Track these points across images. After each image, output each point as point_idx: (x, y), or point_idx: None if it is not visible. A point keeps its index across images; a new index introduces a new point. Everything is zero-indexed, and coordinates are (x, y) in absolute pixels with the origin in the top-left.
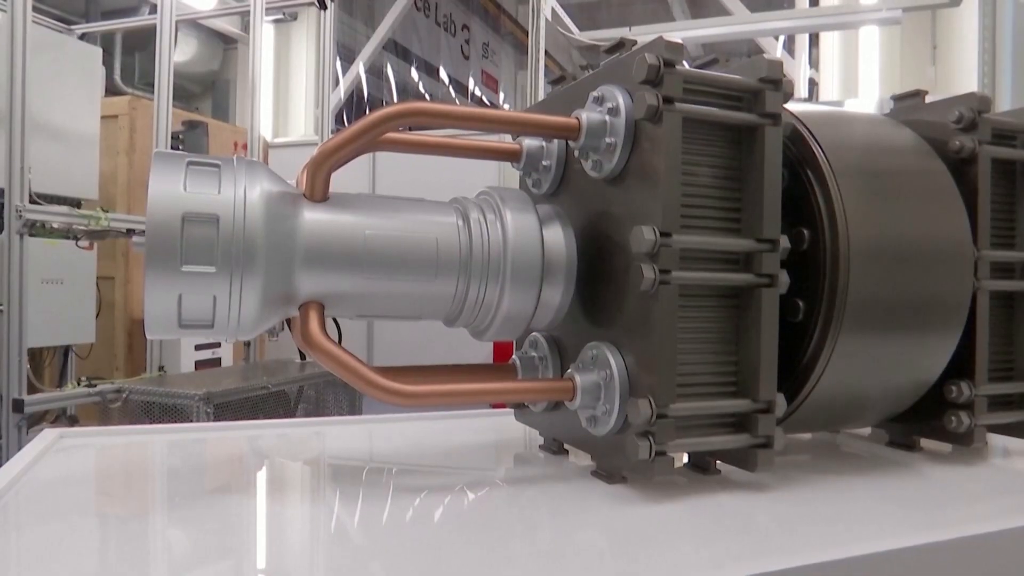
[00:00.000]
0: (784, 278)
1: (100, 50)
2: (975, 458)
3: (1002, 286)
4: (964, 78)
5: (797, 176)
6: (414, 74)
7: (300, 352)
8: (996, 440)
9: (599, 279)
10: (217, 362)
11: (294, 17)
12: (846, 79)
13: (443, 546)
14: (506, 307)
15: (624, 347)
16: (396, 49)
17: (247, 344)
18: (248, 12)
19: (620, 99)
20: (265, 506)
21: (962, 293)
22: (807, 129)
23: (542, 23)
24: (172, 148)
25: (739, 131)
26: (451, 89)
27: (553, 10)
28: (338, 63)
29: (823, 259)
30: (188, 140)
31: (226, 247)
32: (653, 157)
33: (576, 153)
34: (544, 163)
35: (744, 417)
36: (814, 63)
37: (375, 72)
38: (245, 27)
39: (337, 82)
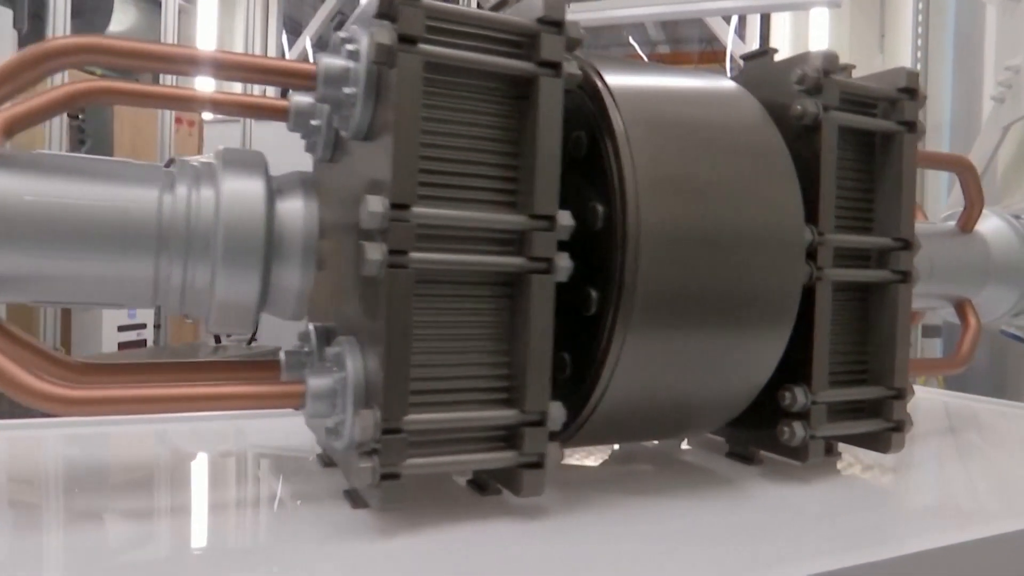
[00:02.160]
0: (564, 262)
1: (10, 12)
2: (817, 474)
3: (850, 276)
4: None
5: (596, 142)
6: None
7: (215, 336)
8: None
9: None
10: (143, 343)
11: None
12: None
13: None
14: (221, 292)
15: (365, 345)
16: (343, 19)
17: (157, 326)
18: None
19: (364, 40)
20: None
21: (790, 283)
22: (604, 84)
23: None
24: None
25: (513, 83)
26: None
27: None
28: (284, 36)
29: (617, 241)
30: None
31: None
32: (387, 111)
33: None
34: (313, 122)
35: (511, 430)
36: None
37: (322, 46)
38: None
39: (283, 56)
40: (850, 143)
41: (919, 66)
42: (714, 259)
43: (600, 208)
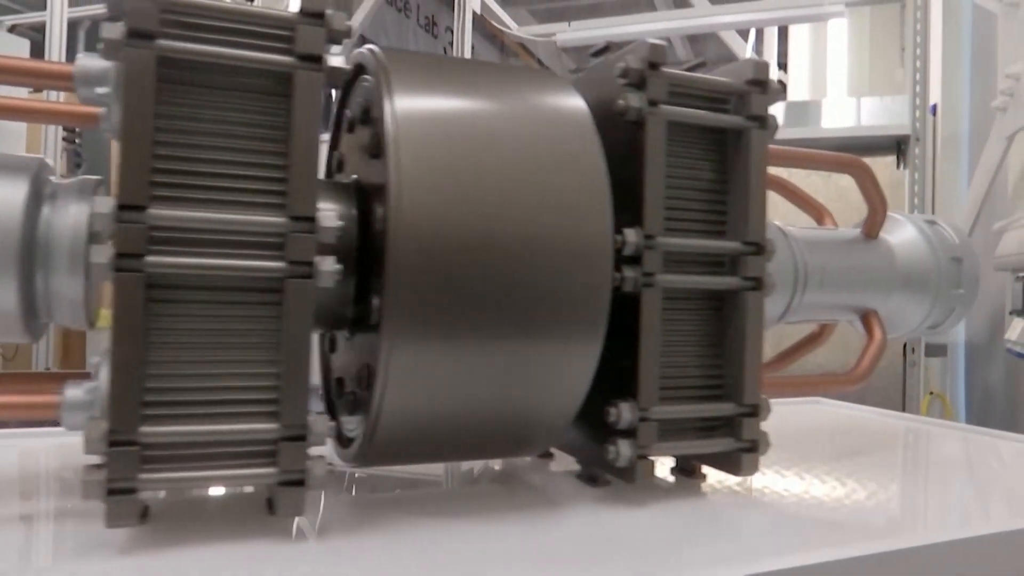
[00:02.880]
0: (327, 267)
1: (27, 42)
2: (668, 497)
3: (689, 283)
4: (935, 83)
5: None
6: None
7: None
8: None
9: None
10: None
11: None
12: (814, 82)
13: None
14: None
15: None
16: (363, 43)
17: None
18: None
19: None
20: None
21: (590, 289)
22: (386, 73)
23: (468, 16)
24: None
25: (272, 79)
26: None
27: (484, 2)
28: None
29: (386, 244)
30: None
31: None
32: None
33: None
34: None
35: (271, 445)
36: (783, 66)
37: None
38: None
39: None
40: (698, 141)
41: (918, 76)
42: (492, 264)
43: (379, 209)
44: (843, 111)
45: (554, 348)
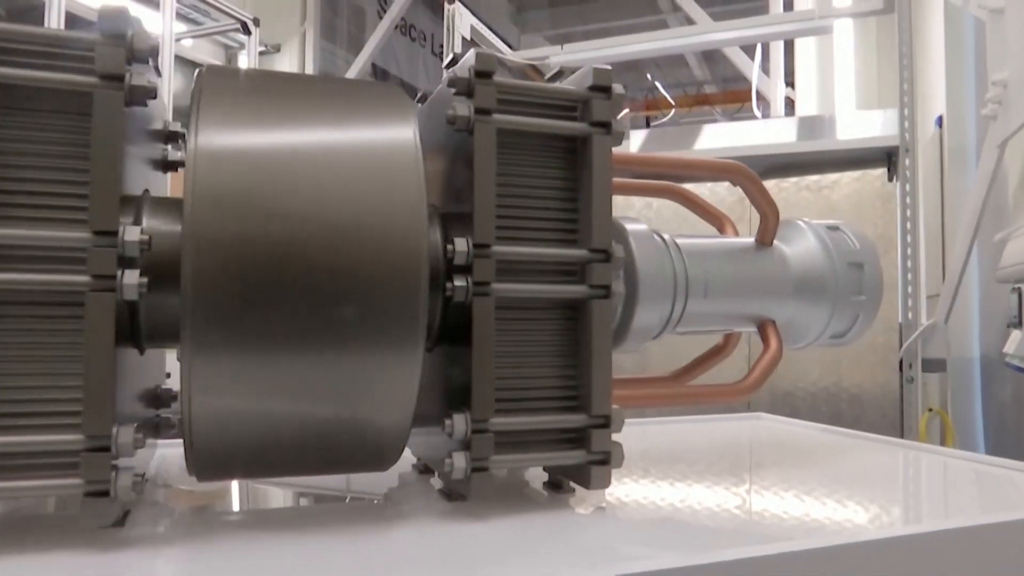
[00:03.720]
0: (130, 280)
1: None
2: (529, 510)
3: (529, 291)
4: (940, 95)
5: None
6: None
7: None
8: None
9: None
10: None
11: (277, 48)
12: (822, 96)
13: None
14: None
15: None
16: (375, 72)
17: None
18: (236, 47)
19: None
20: None
21: (407, 299)
22: (199, 93)
23: (458, 40)
24: None
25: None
26: None
27: (473, 27)
28: None
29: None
30: None
31: None
32: None
33: None
34: None
35: (74, 456)
36: (790, 81)
37: None
38: (228, 60)
39: None
40: (544, 149)
41: (906, 87)
42: (292, 275)
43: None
44: (833, 124)
45: (371, 359)
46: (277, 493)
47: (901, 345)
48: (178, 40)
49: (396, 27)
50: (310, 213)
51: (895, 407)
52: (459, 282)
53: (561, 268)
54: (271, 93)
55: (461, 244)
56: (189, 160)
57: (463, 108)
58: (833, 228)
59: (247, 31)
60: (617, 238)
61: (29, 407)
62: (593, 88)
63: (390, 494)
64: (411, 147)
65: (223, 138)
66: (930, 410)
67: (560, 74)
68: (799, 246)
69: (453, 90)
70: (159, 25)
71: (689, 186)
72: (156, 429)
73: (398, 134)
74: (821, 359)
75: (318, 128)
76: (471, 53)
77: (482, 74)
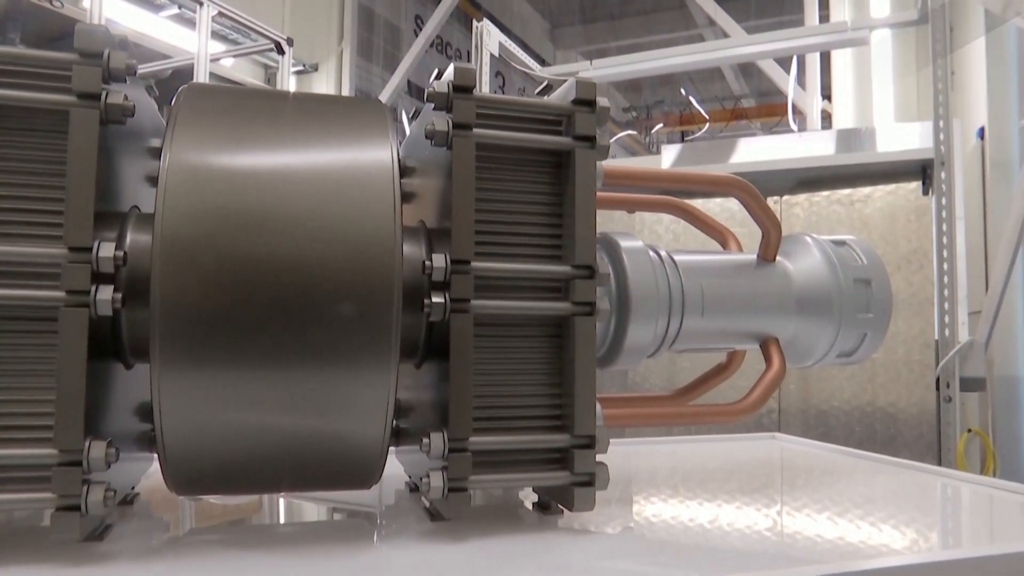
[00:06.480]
0: (103, 295)
1: None
2: (513, 532)
3: (512, 308)
4: (982, 106)
5: None
6: None
7: None
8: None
9: None
10: None
11: (315, 68)
12: (860, 108)
13: None
14: None
15: None
16: (411, 89)
17: None
18: (275, 66)
19: None
20: None
21: (378, 316)
22: (177, 109)
23: (486, 57)
24: None
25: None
26: None
27: (502, 44)
28: None
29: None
30: None
31: None
32: None
33: None
34: None
35: (45, 470)
36: (827, 94)
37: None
38: (268, 79)
39: None
40: (528, 164)
41: (941, 98)
42: (262, 293)
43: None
44: (871, 137)
45: (341, 375)
46: (280, 507)
47: (937, 363)
48: (217, 60)
49: (431, 44)
50: (281, 230)
51: (932, 427)
52: (436, 299)
53: (544, 284)
54: (249, 111)
55: (439, 260)
56: (161, 178)
57: (441, 123)
58: (840, 243)
59: (280, 51)
60: (610, 253)
61: (1, 420)
62: (577, 101)
63: (375, 512)
64: (386, 164)
65: (195, 156)
66: (969, 431)
67: (549, 88)
68: (803, 262)
69: (431, 105)
70: (195, 45)
71: (699, 201)
72: (151, 442)
73: (373, 151)
74: (855, 377)
75: (293, 147)
76: (451, 67)
77: (461, 88)
